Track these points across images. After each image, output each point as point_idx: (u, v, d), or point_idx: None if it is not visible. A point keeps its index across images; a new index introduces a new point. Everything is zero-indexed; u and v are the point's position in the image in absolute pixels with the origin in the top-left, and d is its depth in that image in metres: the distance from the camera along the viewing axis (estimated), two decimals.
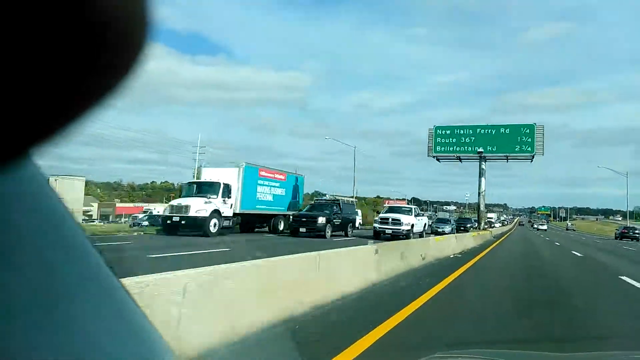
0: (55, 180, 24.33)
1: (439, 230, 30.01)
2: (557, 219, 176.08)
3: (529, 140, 31.53)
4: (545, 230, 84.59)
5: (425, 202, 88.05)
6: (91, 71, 0.27)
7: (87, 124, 0.30)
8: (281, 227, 23.19)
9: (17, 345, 0.30)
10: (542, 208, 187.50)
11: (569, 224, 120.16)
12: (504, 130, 32.24)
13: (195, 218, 17.35)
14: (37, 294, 0.33)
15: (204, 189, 18.93)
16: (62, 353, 0.33)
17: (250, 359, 3.65)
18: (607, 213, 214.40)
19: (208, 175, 20.36)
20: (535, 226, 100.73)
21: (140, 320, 0.45)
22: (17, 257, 0.33)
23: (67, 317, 0.35)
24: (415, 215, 23.64)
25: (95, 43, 0.26)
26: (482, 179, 33.13)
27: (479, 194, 33.81)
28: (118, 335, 0.40)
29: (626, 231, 46.91)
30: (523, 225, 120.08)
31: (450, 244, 14.92)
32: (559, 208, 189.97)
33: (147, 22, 0.28)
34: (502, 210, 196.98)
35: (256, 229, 22.96)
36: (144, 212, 52.95)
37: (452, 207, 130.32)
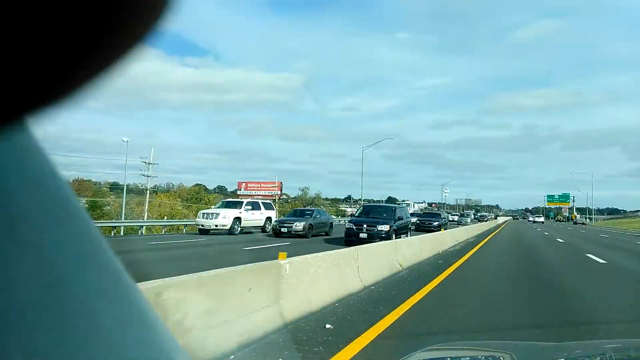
0: None
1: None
2: (563, 219, 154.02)
3: None
4: (542, 222, 79.20)
5: (403, 201, 76.95)
6: (95, 40, 0.25)
7: (88, 96, 0.27)
8: None
9: (19, 322, 0.29)
10: (554, 198, 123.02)
11: (578, 216, 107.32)
12: None
13: None
14: (43, 273, 0.31)
15: None
16: (63, 329, 0.31)
17: None
18: (612, 212, 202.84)
19: None
20: (531, 219, 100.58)
21: (146, 309, 0.41)
22: (18, 231, 0.30)
23: (71, 297, 0.33)
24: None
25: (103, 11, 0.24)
26: None
27: None
28: (123, 322, 0.37)
29: None
30: (518, 219, 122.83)
31: None
32: (561, 209, 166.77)
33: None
34: (483, 208, 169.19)
35: None
36: None
37: (424, 205, 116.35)
